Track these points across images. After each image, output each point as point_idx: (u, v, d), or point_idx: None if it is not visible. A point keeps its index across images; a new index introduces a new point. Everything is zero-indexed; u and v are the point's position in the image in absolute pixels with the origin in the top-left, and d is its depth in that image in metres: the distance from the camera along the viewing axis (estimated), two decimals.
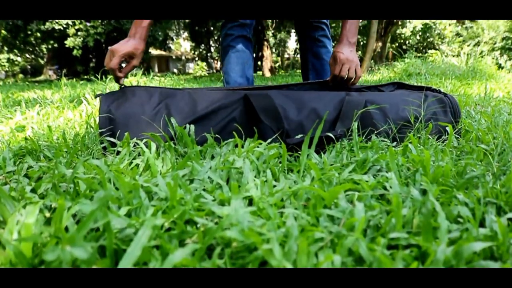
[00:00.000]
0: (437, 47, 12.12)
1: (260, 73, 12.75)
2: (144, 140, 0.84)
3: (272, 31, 14.72)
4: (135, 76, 3.43)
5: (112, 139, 0.89)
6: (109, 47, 0.98)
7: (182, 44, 25.29)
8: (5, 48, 10.62)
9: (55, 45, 9.34)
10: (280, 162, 0.79)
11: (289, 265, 0.37)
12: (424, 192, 0.62)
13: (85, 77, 8.63)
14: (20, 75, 16.12)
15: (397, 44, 13.65)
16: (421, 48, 13.19)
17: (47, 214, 0.50)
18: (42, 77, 14.12)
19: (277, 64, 18.08)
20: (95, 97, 0.96)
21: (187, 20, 13.60)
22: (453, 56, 7.27)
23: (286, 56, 19.97)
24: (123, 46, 0.97)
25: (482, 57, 5.43)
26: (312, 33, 1.56)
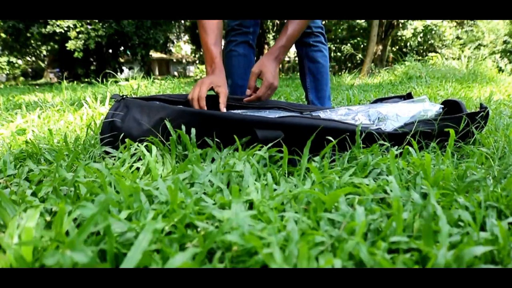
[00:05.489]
0: (438, 51, 12.12)
1: None
2: (145, 144, 0.84)
3: (273, 34, 14.75)
4: (135, 79, 3.44)
5: (109, 149, 0.89)
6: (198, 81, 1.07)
7: (182, 47, 25.32)
8: (6, 52, 10.66)
9: (56, 46, 9.34)
10: (280, 166, 0.79)
11: None
12: (424, 196, 0.62)
13: (86, 80, 8.63)
14: (21, 78, 16.11)
15: (397, 47, 13.66)
16: (421, 51, 13.20)
17: (48, 218, 0.50)
18: (43, 80, 14.13)
19: None
20: (111, 98, 0.99)
21: (187, 23, 13.64)
22: (454, 59, 7.28)
23: (286, 59, 19.99)
24: (208, 79, 1.07)
25: (484, 59, 5.44)
26: (306, 39, 1.59)
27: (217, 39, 1.15)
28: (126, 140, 0.86)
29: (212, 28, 1.14)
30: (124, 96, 0.99)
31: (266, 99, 1.11)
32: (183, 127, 0.86)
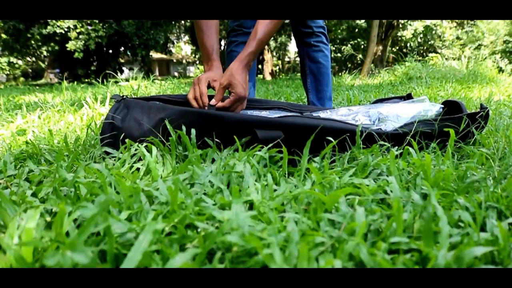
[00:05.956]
0: (438, 51, 12.12)
1: (260, 76, 12.77)
2: (145, 145, 0.84)
3: (274, 35, 14.78)
4: (135, 79, 3.44)
5: (109, 150, 0.89)
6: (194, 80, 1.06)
7: (182, 48, 25.32)
8: (6, 52, 10.65)
9: (56, 47, 9.35)
10: (280, 166, 0.79)
11: None
12: (425, 196, 0.62)
13: (86, 80, 8.64)
14: (21, 79, 16.11)
15: (397, 48, 13.65)
16: (421, 52, 13.19)
17: (48, 219, 0.50)
18: (43, 81, 14.14)
19: (277, 68, 18.11)
20: (111, 98, 0.99)
21: (187, 24, 13.65)
22: (454, 59, 7.28)
23: (286, 59, 20.00)
24: (204, 76, 1.06)
25: (484, 60, 5.44)
26: (307, 39, 1.60)
27: (213, 36, 1.14)
28: (126, 140, 0.86)
29: (207, 26, 1.13)
30: (124, 97, 1.00)
31: (234, 110, 1.04)
32: (184, 127, 0.86)
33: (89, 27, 8.71)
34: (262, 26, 1.08)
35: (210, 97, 1.04)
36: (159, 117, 0.91)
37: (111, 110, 0.96)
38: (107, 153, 0.90)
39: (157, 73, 22.47)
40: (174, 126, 0.87)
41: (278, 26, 1.13)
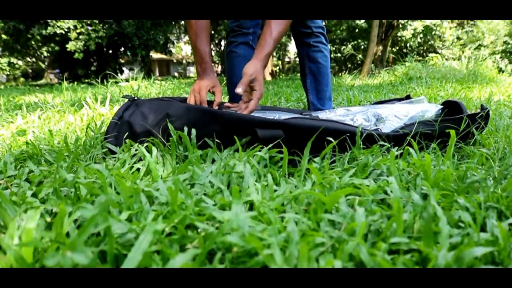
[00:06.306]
0: (438, 51, 12.10)
1: None
2: (145, 145, 0.84)
3: None
4: (135, 80, 3.44)
5: (112, 147, 0.90)
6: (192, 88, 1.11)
7: (183, 48, 25.32)
8: (6, 52, 10.65)
9: (56, 47, 9.34)
10: (280, 167, 0.79)
11: None
12: (425, 197, 0.62)
13: (86, 80, 8.63)
14: (21, 79, 16.09)
15: (397, 48, 13.64)
16: (421, 52, 13.18)
17: (48, 219, 0.50)
18: (43, 81, 14.12)
19: (277, 68, 18.11)
20: (122, 97, 1.07)
21: None
22: (454, 59, 7.28)
23: (286, 59, 20.00)
24: (204, 83, 1.11)
25: (483, 60, 5.44)
26: (306, 40, 1.60)
27: (206, 39, 1.19)
28: (127, 140, 0.87)
29: (200, 29, 1.17)
30: (136, 98, 1.04)
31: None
32: (185, 128, 0.87)
33: (89, 28, 8.71)
34: (276, 25, 1.10)
35: (210, 102, 1.09)
36: (164, 112, 0.94)
37: (122, 107, 1.01)
38: (111, 151, 0.91)
39: (157, 73, 22.48)
40: (178, 124, 0.89)
41: (289, 25, 1.16)
